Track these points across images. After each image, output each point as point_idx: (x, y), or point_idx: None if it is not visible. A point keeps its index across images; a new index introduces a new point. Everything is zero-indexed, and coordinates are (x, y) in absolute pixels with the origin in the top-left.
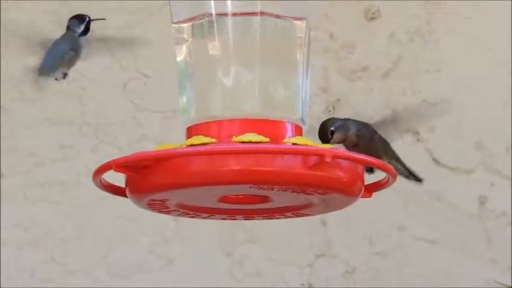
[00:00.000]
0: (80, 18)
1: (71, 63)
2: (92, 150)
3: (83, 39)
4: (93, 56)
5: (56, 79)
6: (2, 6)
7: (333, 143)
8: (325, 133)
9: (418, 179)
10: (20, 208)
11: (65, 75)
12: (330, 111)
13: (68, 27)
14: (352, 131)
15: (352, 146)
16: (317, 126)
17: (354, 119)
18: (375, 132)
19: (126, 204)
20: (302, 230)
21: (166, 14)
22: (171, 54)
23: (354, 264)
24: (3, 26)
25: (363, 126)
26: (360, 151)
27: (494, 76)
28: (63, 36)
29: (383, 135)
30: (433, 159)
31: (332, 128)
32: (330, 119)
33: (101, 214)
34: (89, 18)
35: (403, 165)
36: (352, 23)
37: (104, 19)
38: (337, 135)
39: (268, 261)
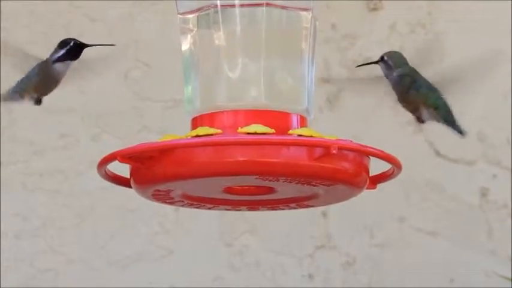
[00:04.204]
0: (62, 44)
1: (37, 89)
2: (92, 139)
3: (60, 64)
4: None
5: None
6: None
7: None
8: (380, 57)
9: (460, 132)
10: (19, 197)
11: (37, 100)
12: (330, 102)
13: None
14: (391, 76)
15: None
16: (319, 117)
17: (404, 64)
18: (413, 82)
19: (126, 194)
20: (302, 220)
21: (169, 3)
22: (173, 43)
23: (354, 255)
24: (3, 17)
25: (402, 77)
26: (399, 100)
27: (496, 67)
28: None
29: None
30: (434, 151)
31: (385, 58)
32: (394, 53)
33: (100, 204)
34: (75, 43)
35: (445, 115)
36: (354, 13)
37: (114, 45)
38: (381, 66)
39: (268, 251)
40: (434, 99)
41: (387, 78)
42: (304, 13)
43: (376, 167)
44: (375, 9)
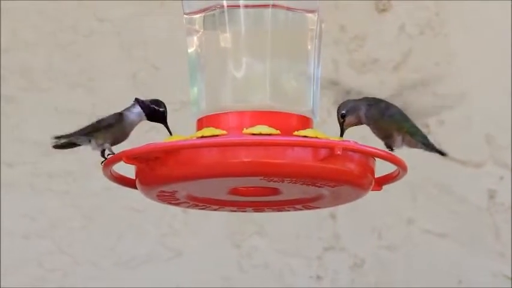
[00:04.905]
0: (154, 101)
1: (106, 137)
2: None
3: (136, 112)
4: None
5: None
6: None
7: (347, 127)
8: (338, 118)
9: (440, 153)
10: (27, 198)
11: (103, 149)
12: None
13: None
14: (363, 111)
15: (369, 125)
16: (327, 119)
17: (369, 97)
18: (387, 108)
19: (134, 195)
20: (311, 222)
21: (177, 4)
22: (181, 45)
23: (362, 257)
24: (10, 13)
25: (373, 105)
26: (374, 130)
27: (505, 69)
28: None
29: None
30: None
31: (343, 112)
32: (343, 102)
33: (109, 205)
34: (163, 112)
35: (421, 140)
36: (363, 15)
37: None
38: (349, 119)
39: (277, 253)
40: (409, 126)
41: (360, 123)
42: (310, 15)
43: (384, 168)
44: (383, 10)
